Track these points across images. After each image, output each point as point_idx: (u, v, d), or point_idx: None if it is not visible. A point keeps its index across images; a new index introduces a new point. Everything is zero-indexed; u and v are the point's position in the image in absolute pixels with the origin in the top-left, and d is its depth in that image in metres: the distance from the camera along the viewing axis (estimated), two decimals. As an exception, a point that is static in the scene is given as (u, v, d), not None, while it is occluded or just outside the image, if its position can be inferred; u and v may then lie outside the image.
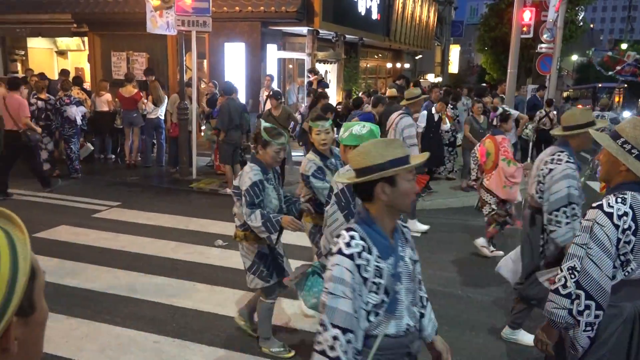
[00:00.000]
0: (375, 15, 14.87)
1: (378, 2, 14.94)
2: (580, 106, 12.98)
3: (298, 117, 8.55)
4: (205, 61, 11.74)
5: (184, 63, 9.13)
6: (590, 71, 36.03)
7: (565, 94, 26.08)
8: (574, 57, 40.24)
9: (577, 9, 21.59)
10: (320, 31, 12.14)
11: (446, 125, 9.11)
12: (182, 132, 9.05)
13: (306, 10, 11.09)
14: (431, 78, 23.56)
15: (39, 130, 8.07)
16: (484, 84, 20.27)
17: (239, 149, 8.22)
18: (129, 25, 11.40)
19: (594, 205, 2.24)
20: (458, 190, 8.74)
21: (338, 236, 1.87)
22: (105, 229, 6.50)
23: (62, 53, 14.38)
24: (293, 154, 8.91)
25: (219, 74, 11.19)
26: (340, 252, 1.80)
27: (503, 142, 5.70)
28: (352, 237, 1.81)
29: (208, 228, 6.65)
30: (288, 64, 13.46)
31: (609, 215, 2.14)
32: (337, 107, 11.01)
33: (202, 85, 10.03)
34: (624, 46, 44.41)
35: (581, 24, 23.19)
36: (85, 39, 12.86)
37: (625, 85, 30.15)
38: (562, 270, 2.26)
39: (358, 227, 1.85)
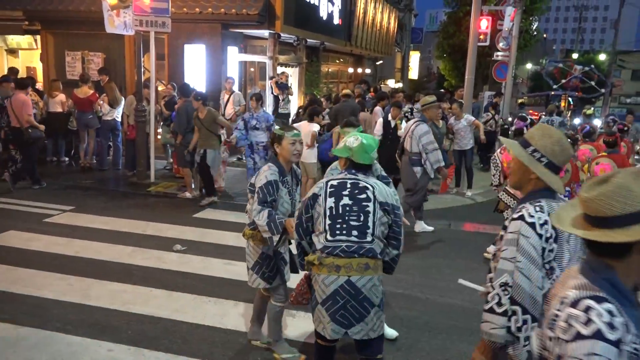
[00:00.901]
0: (336, 20, 14.95)
1: (340, 8, 15.04)
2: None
3: (241, 122, 8.17)
4: (164, 62, 11.52)
5: (142, 64, 8.92)
6: (544, 79, 37.39)
7: (520, 101, 26.93)
8: (529, 66, 41.66)
9: (531, 19, 22.31)
10: (282, 35, 12.12)
11: (402, 130, 8.98)
12: (139, 134, 8.84)
13: (268, 14, 11.04)
14: (392, 83, 23.84)
15: (42, 127, 8.37)
16: (442, 90, 20.69)
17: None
18: (85, 24, 11.08)
19: (514, 216, 2.19)
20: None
21: (585, 309, 1.33)
22: (58, 234, 6.26)
23: (12, 51, 13.79)
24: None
25: (179, 75, 11.00)
26: (600, 336, 1.29)
27: None
28: (611, 314, 1.31)
29: (166, 232, 6.51)
30: (249, 67, 13.36)
31: (532, 226, 2.11)
32: (300, 111, 11.02)
33: (160, 87, 9.83)
34: (575, 56, 46.37)
35: (535, 33, 23.97)
36: (38, 37, 12.39)
37: (576, 94, 31.47)
38: (494, 288, 2.19)
39: (608, 295, 1.36)
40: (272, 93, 11.80)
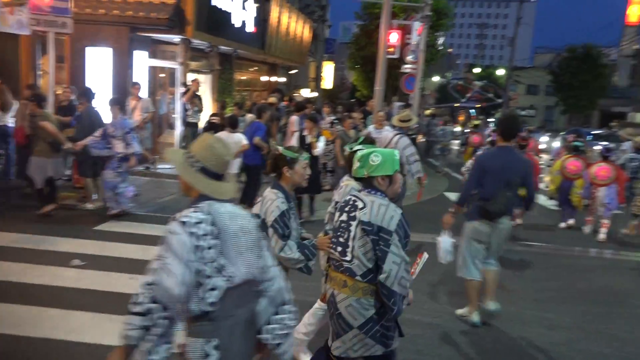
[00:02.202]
0: (250, 28, 14.86)
1: (254, 15, 14.97)
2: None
3: (99, 130, 7.40)
4: (64, 65, 10.84)
5: (40, 66, 8.34)
6: (449, 92, 39.59)
7: (427, 112, 28.29)
8: (435, 78, 43.81)
9: (437, 34, 23.45)
10: (193, 41, 11.85)
11: (318, 150, 7.73)
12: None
13: (178, 19, 10.75)
14: (305, 93, 24.08)
15: None
16: (353, 100, 21.20)
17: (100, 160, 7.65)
18: (-27, 21, 10.17)
19: (174, 218, 2.18)
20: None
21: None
22: (-64, 251, 5.66)
23: None
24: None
25: (80, 79, 10.38)
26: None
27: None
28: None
29: (63, 247, 6.08)
30: (159, 73, 12.90)
31: (183, 224, 2.11)
32: (212, 118, 10.79)
33: (59, 91, 9.22)
34: (476, 70, 49.47)
35: (441, 48, 25.20)
36: None
37: (478, 106, 33.74)
38: (140, 287, 2.08)
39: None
40: (181, 100, 11.49)
